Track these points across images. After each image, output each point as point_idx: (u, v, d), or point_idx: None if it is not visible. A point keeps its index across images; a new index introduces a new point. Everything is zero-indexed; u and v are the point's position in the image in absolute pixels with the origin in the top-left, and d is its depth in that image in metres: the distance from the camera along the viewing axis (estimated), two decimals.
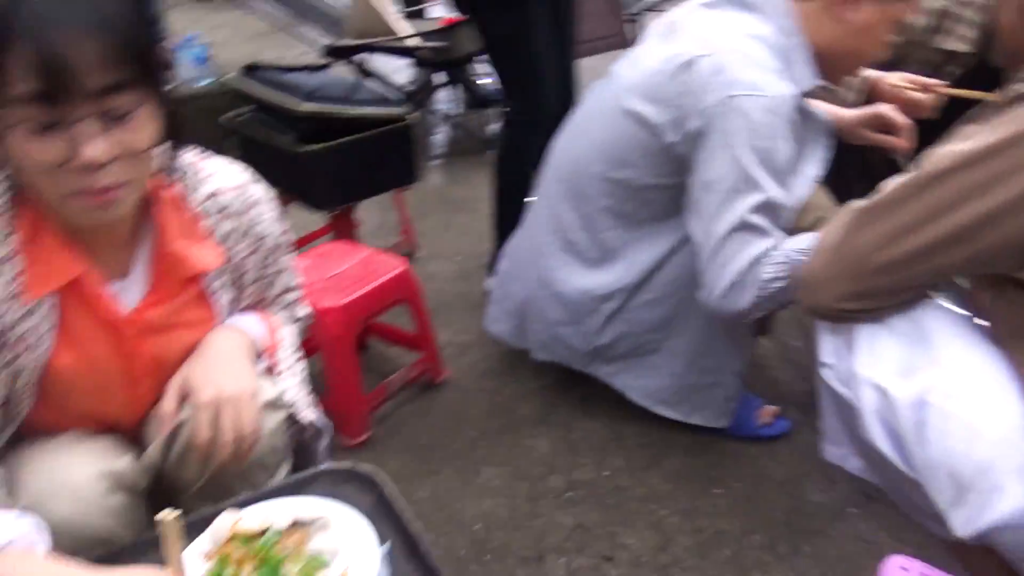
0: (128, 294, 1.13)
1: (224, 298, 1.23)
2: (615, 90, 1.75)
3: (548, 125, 2.09)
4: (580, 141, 1.84)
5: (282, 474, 1.33)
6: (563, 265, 1.88)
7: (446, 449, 1.99)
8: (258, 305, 1.32)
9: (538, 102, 2.32)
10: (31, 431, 1.18)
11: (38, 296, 1.03)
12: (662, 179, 1.72)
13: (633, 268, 1.81)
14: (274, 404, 1.25)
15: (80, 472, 1.09)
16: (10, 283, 1.02)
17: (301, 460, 1.39)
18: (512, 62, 2.33)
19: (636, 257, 1.81)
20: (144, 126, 0.96)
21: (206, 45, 3.79)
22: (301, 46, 3.96)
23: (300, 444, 1.40)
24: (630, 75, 1.73)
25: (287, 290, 1.35)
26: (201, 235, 1.16)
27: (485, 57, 3.81)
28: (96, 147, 0.91)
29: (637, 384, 1.93)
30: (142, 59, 0.93)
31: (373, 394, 2.07)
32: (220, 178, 1.18)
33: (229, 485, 1.23)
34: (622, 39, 3.49)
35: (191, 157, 1.17)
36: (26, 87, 0.86)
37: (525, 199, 2.40)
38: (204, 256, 1.16)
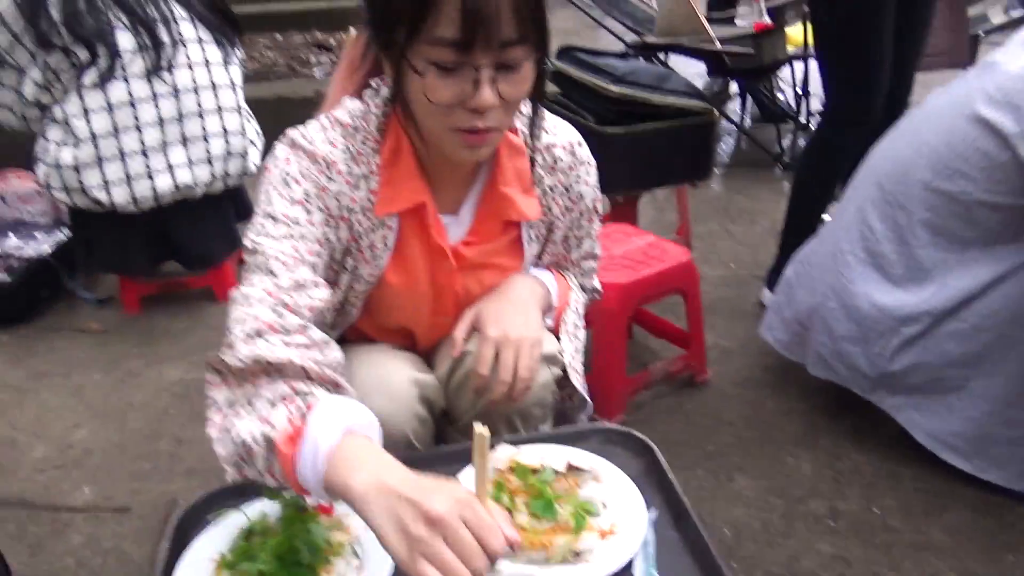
0: (453, 229, 1.21)
1: (532, 249, 1.28)
2: (963, 93, 1.59)
3: (869, 129, 1.95)
4: (909, 144, 1.69)
5: (543, 430, 1.37)
6: (863, 277, 1.75)
7: (700, 449, 1.94)
8: (557, 265, 1.36)
9: (864, 101, 2.16)
10: (349, 336, 1.31)
11: (385, 213, 1.14)
12: (1000, 197, 1.54)
13: (945, 292, 1.63)
14: (552, 359, 1.28)
15: (397, 374, 1.19)
16: (368, 196, 1.13)
17: (559, 426, 1.41)
18: (843, 53, 2.18)
19: (951, 280, 1.63)
20: (524, 80, 1.03)
21: None
22: (606, 39, 4.07)
23: (560, 411, 1.43)
24: (985, 79, 1.56)
25: (588, 256, 1.38)
26: (529, 184, 1.21)
27: (781, 69, 3.70)
28: (489, 93, 0.99)
29: (925, 423, 1.75)
30: (537, 20, 1.00)
31: (634, 379, 2.06)
32: (556, 134, 1.24)
33: (494, 426, 1.27)
34: (963, 58, 3.19)
35: (535, 111, 1.23)
36: (448, 32, 0.95)
37: (823, 206, 2.28)
38: (527, 205, 1.21)
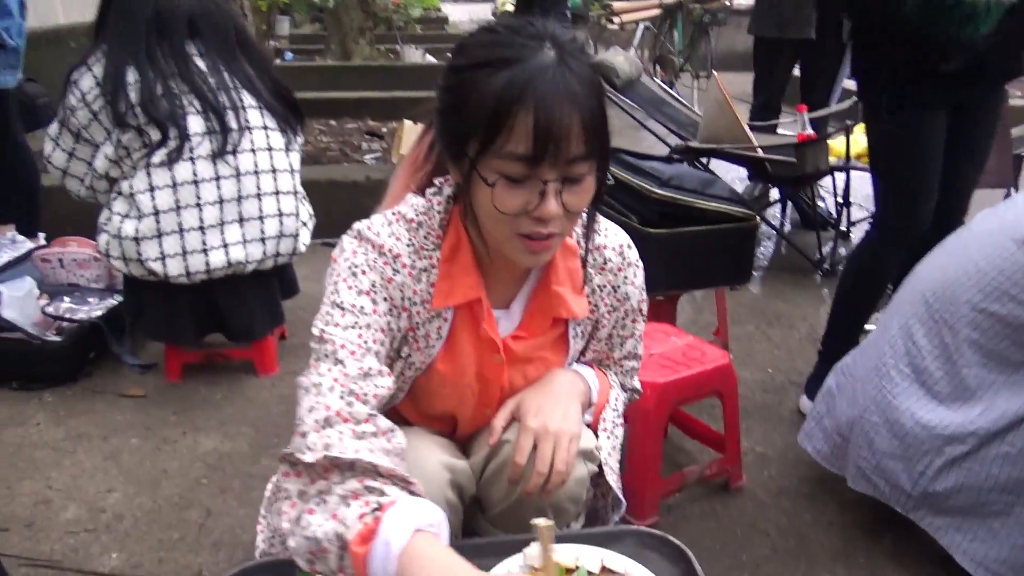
0: (503, 323, 1.25)
1: (577, 345, 1.31)
2: (1012, 217, 1.61)
3: (915, 241, 2.01)
4: (957, 263, 1.71)
5: (575, 528, 1.36)
6: (907, 392, 1.73)
7: (732, 558, 1.89)
8: (599, 362, 1.38)
9: (912, 212, 2.19)
10: (389, 417, 1.32)
11: (441, 306, 1.18)
12: None
13: (992, 413, 1.61)
14: (589, 455, 1.28)
15: (429, 458, 1.20)
16: (427, 288, 1.18)
17: (590, 525, 1.40)
18: (893, 166, 2.23)
19: (999, 402, 1.61)
20: (587, 190, 1.09)
21: None
22: (648, 140, 4.18)
23: (593, 509, 1.42)
24: None
25: (630, 356, 1.40)
26: (580, 283, 1.25)
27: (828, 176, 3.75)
28: (555, 204, 1.05)
29: (968, 547, 1.70)
30: (602, 135, 1.06)
31: (668, 480, 2.04)
32: (607, 236, 1.28)
33: (525, 519, 1.27)
34: (1008, 178, 3.23)
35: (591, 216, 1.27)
36: (520, 148, 1.01)
37: (866, 315, 2.29)
38: (577, 303, 1.24)
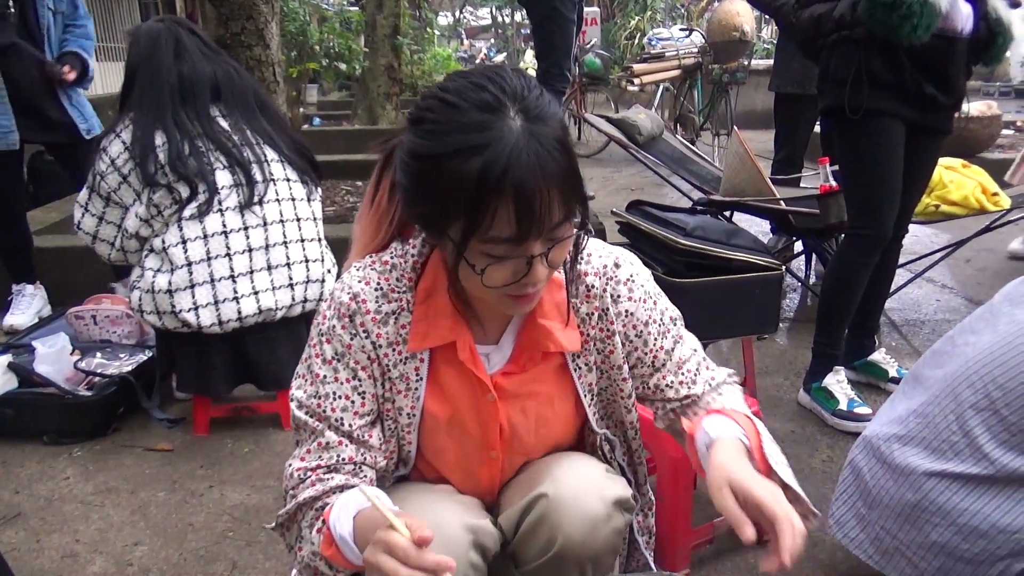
0: (495, 357, 1.25)
1: (589, 378, 1.28)
2: None
3: (881, 246, 2.48)
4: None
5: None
6: (973, 495, 1.58)
7: None
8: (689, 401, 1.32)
9: (878, 224, 2.53)
10: (415, 477, 1.32)
11: (416, 348, 1.20)
12: None
13: None
14: (624, 504, 1.27)
15: (451, 520, 1.18)
16: (395, 331, 1.19)
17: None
18: (860, 184, 2.56)
19: None
20: (569, 243, 1.11)
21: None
22: (672, 196, 4.21)
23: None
24: None
25: (686, 361, 1.32)
26: (566, 316, 1.23)
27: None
28: (542, 270, 1.07)
29: None
30: (576, 190, 1.07)
31: (698, 531, 2.00)
32: (590, 262, 1.26)
33: (566, 574, 1.26)
34: None
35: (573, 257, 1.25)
36: (504, 232, 1.01)
37: (847, 317, 2.71)
38: (566, 337, 1.23)
